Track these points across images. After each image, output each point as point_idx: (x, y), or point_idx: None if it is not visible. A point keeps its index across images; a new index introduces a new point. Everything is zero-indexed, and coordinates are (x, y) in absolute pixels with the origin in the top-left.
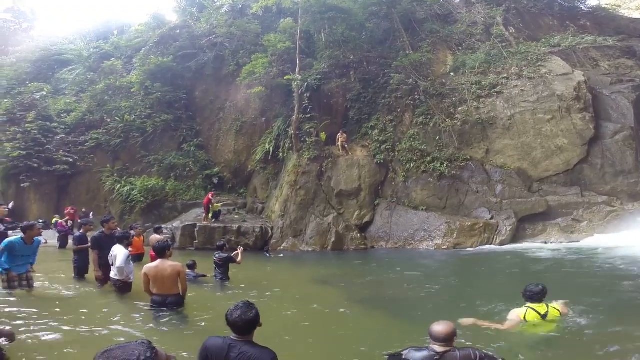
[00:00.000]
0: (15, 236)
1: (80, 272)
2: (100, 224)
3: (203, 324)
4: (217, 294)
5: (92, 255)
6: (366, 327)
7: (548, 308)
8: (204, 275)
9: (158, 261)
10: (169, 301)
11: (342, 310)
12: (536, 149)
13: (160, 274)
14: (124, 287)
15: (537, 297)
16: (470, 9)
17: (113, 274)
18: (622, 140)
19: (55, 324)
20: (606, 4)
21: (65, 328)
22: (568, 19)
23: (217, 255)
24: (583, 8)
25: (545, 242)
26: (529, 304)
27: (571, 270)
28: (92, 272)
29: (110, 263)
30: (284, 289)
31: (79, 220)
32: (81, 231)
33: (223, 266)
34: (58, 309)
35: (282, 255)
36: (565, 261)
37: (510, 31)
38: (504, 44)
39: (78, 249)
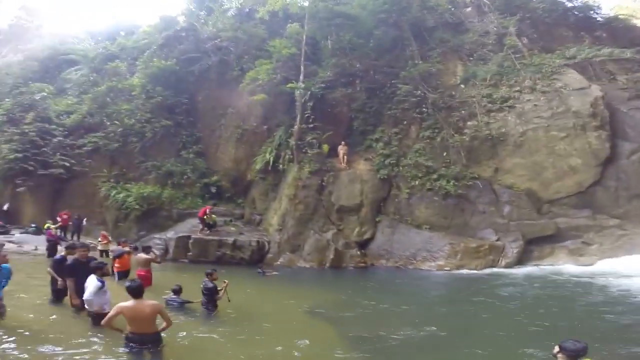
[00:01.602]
0: None
1: (58, 296)
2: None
3: None
4: (200, 327)
5: (68, 282)
6: None
7: None
8: (189, 302)
9: (134, 301)
10: (146, 340)
11: (333, 355)
12: (548, 168)
13: (138, 315)
14: (97, 318)
15: (581, 355)
16: (483, 18)
17: (86, 304)
18: (638, 161)
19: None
20: (621, 14)
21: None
22: (583, 29)
23: (203, 284)
24: (598, 18)
25: (552, 265)
26: None
27: (583, 302)
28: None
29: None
30: (272, 322)
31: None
32: (62, 254)
33: (208, 295)
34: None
35: (277, 272)
36: (575, 290)
37: (524, 42)
38: (517, 55)
39: (54, 274)
